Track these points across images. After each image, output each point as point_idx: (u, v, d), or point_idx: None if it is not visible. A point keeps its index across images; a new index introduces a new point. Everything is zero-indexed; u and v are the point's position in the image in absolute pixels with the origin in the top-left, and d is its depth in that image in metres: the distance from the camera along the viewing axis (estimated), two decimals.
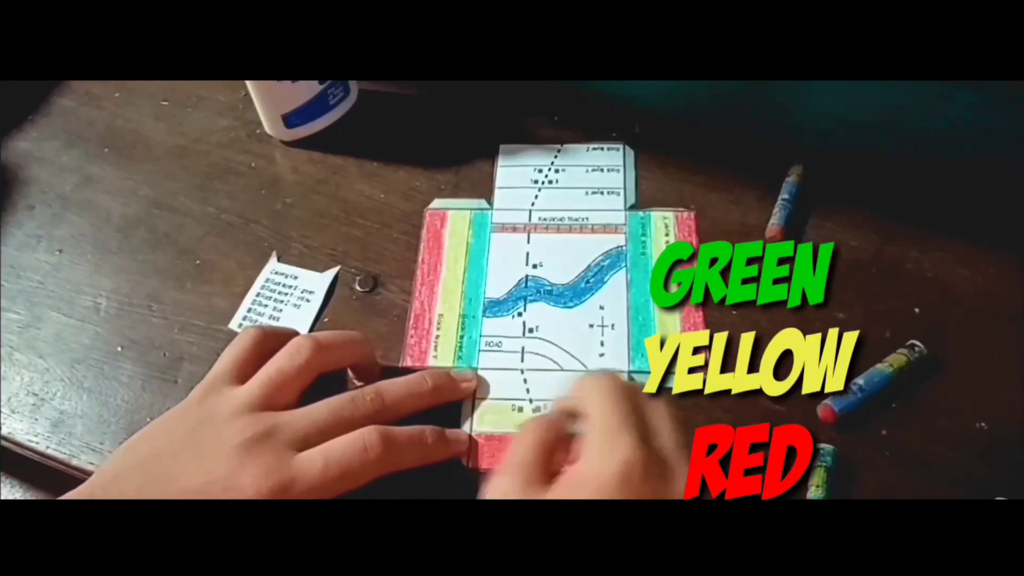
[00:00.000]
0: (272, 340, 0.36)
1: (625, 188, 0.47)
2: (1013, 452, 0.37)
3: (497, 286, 0.44)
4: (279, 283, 0.44)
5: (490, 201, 0.47)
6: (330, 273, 0.44)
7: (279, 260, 0.45)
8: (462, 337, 0.42)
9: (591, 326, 0.42)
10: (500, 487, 0.31)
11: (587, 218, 0.46)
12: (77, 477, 0.39)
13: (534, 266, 0.44)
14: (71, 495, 0.32)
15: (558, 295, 0.43)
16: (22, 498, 0.57)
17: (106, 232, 0.47)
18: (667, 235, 0.45)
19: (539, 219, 0.46)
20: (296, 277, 0.45)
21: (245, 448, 0.32)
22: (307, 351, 0.35)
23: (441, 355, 0.41)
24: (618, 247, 0.45)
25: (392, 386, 0.36)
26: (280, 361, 0.35)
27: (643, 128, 0.50)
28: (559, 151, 0.49)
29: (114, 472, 0.32)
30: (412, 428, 0.35)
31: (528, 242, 0.46)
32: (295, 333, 0.37)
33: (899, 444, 0.37)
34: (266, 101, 0.48)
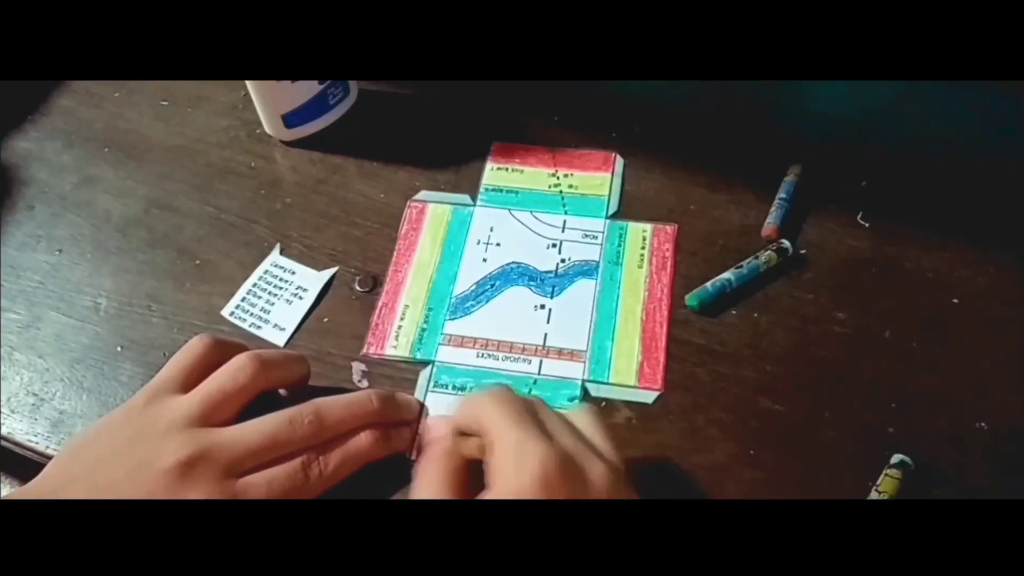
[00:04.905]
0: (221, 352, 0.37)
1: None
2: (1013, 452, 0.37)
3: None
4: (276, 276, 0.44)
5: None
6: (327, 273, 0.44)
7: (281, 253, 0.45)
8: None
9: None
10: None
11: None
12: None
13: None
14: (18, 493, 0.32)
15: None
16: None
17: (106, 232, 0.47)
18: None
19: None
20: (294, 272, 0.45)
21: (181, 471, 0.32)
22: (250, 370, 0.35)
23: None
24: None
25: (334, 405, 0.35)
26: (221, 379, 0.35)
27: (643, 128, 0.50)
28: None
29: (62, 477, 0.33)
30: (349, 446, 0.35)
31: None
32: (244, 347, 0.37)
33: (898, 444, 0.37)
34: (266, 101, 0.48)
